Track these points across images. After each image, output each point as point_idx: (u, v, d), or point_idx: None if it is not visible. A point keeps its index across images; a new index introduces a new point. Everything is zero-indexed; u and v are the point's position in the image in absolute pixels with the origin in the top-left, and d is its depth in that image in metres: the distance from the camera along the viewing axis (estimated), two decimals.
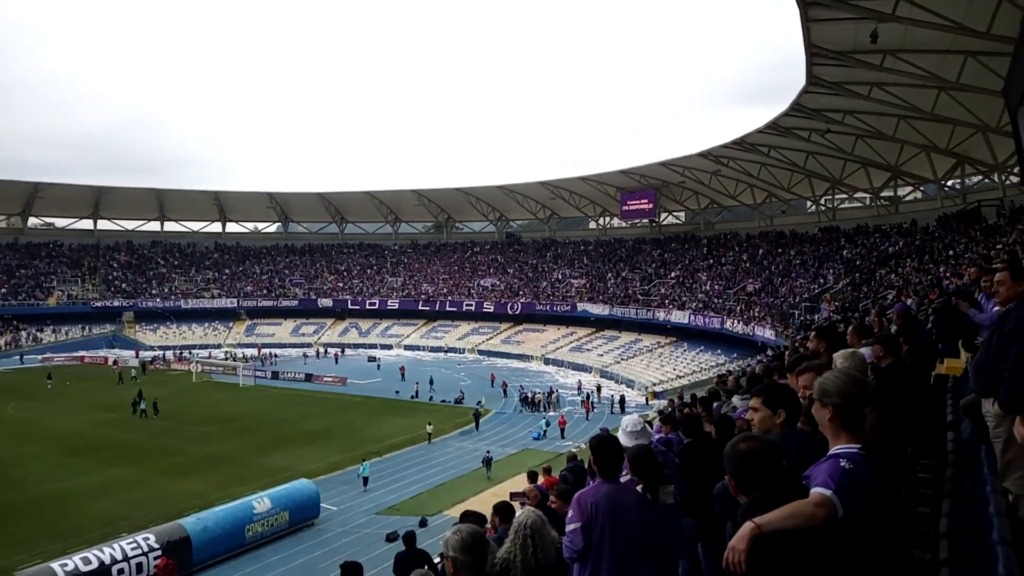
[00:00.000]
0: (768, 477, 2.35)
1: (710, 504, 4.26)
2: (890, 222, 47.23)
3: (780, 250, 54.51)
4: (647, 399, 43.84)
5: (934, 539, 3.35)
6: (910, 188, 48.96)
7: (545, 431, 36.09)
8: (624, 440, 4.85)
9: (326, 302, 74.63)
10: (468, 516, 6.14)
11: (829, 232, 52.14)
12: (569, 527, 4.07)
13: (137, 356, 60.58)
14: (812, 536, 2.21)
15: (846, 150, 42.31)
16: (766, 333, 42.42)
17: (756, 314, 46.24)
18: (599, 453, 4.25)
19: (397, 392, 46.18)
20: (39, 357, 60.49)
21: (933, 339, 8.58)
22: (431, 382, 47.09)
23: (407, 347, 69.11)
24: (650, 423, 10.56)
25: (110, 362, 59.16)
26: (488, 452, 30.74)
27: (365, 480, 27.46)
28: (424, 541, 14.49)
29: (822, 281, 45.10)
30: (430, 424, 35.57)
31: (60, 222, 77.73)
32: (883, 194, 49.94)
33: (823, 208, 55.95)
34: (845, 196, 54.50)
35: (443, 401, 43.59)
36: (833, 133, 39.75)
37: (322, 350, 67.08)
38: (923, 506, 4.12)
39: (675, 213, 70.85)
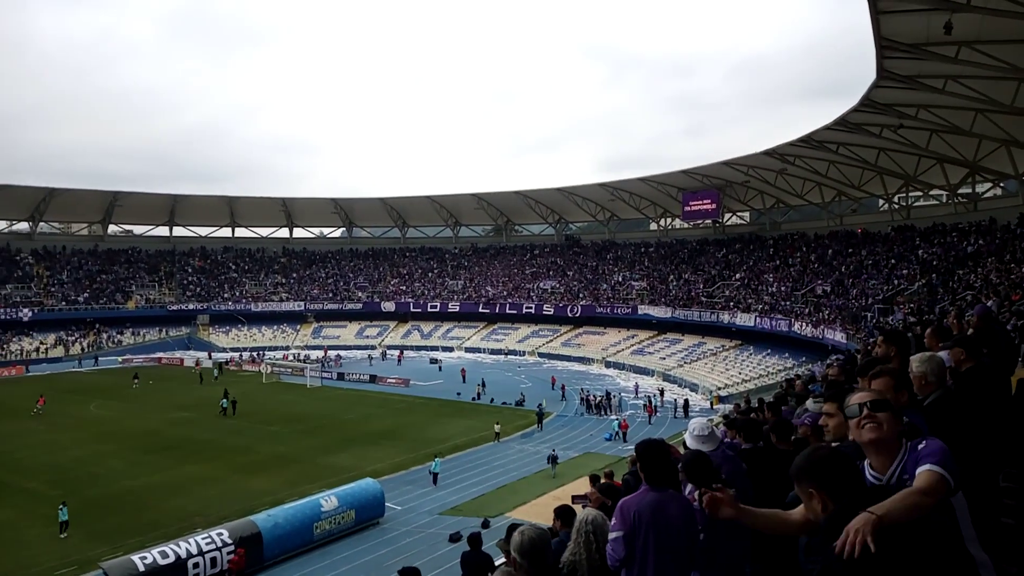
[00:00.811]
0: (855, 486, 2.23)
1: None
2: (968, 220, 45.09)
3: (851, 250, 52.71)
4: (711, 403, 43.08)
5: (1021, 553, 3.22)
6: (989, 184, 46.73)
7: (617, 432, 36.10)
8: (691, 443, 4.79)
9: (389, 305, 75.95)
10: (512, 529, 5.86)
11: (903, 231, 50.20)
12: (611, 535, 4.00)
13: (210, 357, 62.93)
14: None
15: (920, 146, 40.63)
16: (836, 336, 41.11)
17: (826, 316, 44.83)
18: (644, 460, 4.17)
19: (459, 394, 46.66)
20: (119, 359, 63.56)
21: (1016, 342, 8.18)
22: (482, 384, 47.52)
23: (468, 349, 69.67)
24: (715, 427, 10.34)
25: (186, 363, 61.82)
26: (553, 450, 31.13)
27: (435, 476, 28.05)
28: (486, 543, 14.56)
29: (896, 282, 43.45)
30: (498, 424, 36.14)
31: (138, 229, 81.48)
32: (960, 191, 47.75)
33: (896, 206, 53.84)
34: (920, 194, 52.38)
35: (504, 403, 43.77)
36: (906, 128, 38.23)
37: (385, 351, 68.33)
38: (1007, 517, 3.95)
39: (739, 213, 69.42)
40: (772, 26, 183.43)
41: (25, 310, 63.88)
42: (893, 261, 46.77)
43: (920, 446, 2.55)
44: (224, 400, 40.74)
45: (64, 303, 67.23)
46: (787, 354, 48.87)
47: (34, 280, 68.25)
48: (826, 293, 48.95)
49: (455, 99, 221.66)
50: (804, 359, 45.70)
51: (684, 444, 5.18)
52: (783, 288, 53.85)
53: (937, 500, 2.26)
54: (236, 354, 65.41)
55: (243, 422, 38.64)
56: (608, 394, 43.84)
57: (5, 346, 61.88)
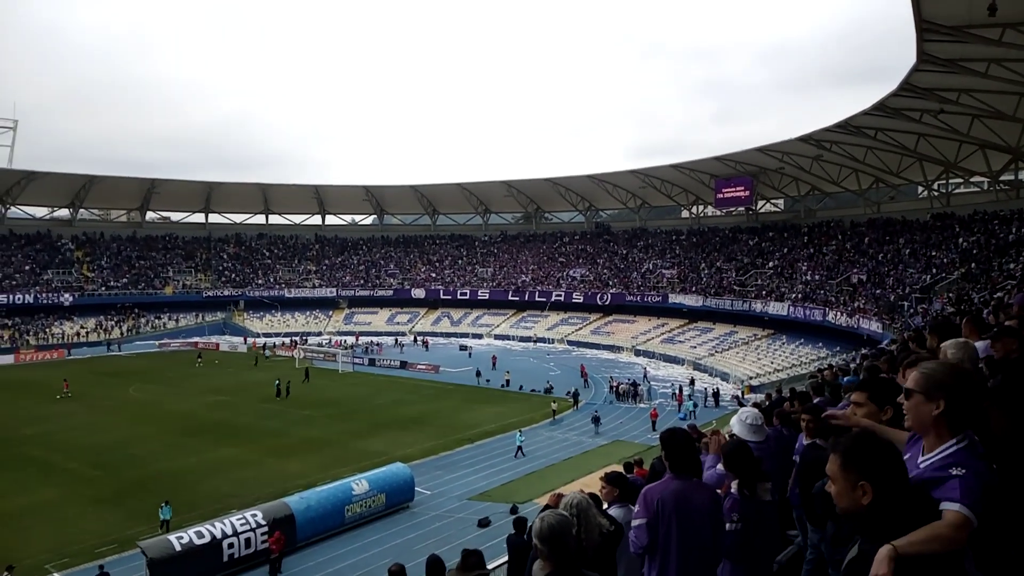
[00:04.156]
0: (904, 484, 2.09)
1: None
2: (1010, 208, 43.86)
3: (888, 238, 51.60)
4: (743, 393, 42.63)
5: None
6: None
7: (692, 412, 36.94)
8: (737, 429, 4.77)
9: (419, 292, 76.42)
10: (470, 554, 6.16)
11: (942, 219, 48.98)
12: (634, 522, 4.03)
13: (245, 342, 63.99)
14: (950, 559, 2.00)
15: (961, 131, 39.54)
16: (872, 326, 40.37)
17: (861, 306, 44.04)
18: (669, 448, 4.16)
19: (488, 381, 46.85)
20: (156, 343, 65.12)
21: None
22: (478, 373, 48.10)
23: (497, 336, 69.86)
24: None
25: (220, 348, 63.07)
26: (596, 411, 33.71)
27: (519, 449, 30.30)
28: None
29: (934, 271, 42.49)
30: (555, 403, 38.04)
31: (175, 216, 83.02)
32: (1003, 178, 46.43)
33: (936, 193, 52.53)
34: (960, 180, 51.06)
35: (533, 391, 43.85)
36: (947, 113, 37.24)
37: (414, 338, 68.84)
38: None
39: (773, 200, 68.36)
40: (802, 9, 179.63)
41: (66, 295, 65.50)
42: (931, 250, 45.73)
43: (958, 471, 2.24)
44: (304, 379, 45.82)
45: (103, 288, 68.81)
46: (820, 344, 48.13)
47: (74, 266, 69.92)
48: (862, 282, 48.04)
49: (486, 87, 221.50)
50: (838, 349, 44.98)
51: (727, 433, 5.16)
52: (817, 277, 52.98)
53: (962, 539, 2.08)
54: (287, 339, 66.36)
55: (278, 406, 39.35)
56: (635, 383, 43.62)
57: (47, 330, 63.61)
